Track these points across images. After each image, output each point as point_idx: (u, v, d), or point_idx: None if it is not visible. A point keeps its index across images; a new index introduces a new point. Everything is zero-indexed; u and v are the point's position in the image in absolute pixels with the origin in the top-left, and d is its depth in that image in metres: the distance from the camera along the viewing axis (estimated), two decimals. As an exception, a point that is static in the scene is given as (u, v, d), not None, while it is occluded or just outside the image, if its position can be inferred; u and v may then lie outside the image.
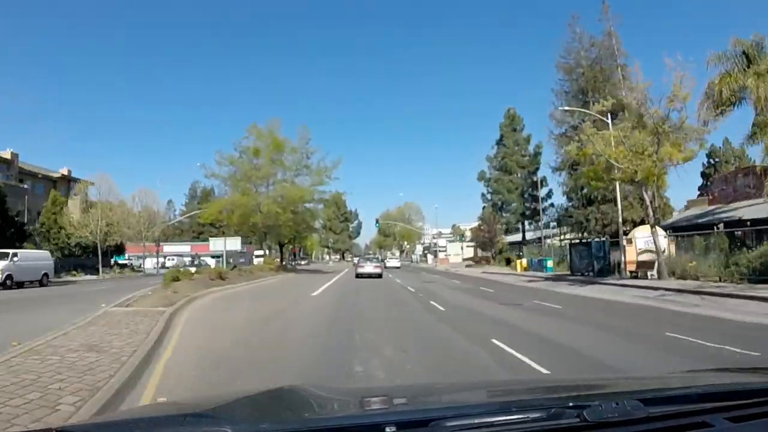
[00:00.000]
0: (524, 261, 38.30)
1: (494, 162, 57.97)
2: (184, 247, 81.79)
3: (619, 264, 25.75)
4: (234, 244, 33.78)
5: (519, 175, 55.78)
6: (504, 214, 57.17)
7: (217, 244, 33.89)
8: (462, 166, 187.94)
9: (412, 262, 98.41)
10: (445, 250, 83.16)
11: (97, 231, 39.65)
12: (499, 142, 58.19)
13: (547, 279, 28.29)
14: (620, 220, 25.54)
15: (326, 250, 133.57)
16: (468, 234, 68.79)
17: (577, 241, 30.42)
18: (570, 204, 45.23)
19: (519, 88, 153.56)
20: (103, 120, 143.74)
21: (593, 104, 46.00)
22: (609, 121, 25.28)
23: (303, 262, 55.92)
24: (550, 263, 33.93)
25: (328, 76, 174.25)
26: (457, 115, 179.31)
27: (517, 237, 58.73)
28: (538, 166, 56.14)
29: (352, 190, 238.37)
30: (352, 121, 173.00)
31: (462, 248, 60.58)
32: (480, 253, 63.05)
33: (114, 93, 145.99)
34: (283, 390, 1.96)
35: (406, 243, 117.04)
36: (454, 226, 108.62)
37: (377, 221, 70.53)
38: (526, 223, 57.52)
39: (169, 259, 73.72)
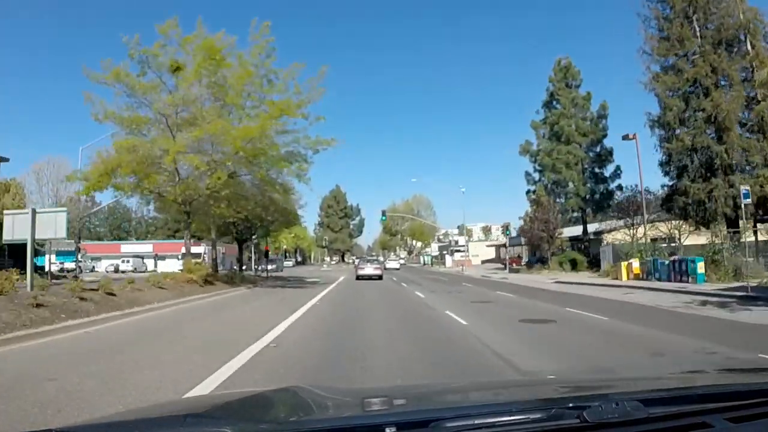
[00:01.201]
0: (635, 264, 23.38)
1: (543, 129, 42.94)
2: (146, 246, 67.17)
3: None
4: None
5: (582, 145, 40.60)
6: (557, 199, 42.08)
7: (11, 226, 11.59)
8: (463, 167, 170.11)
9: (424, 264, 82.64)
10: (466, 250, 69.15)
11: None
12: (548, 103, 43.02)
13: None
14: None
15: (326, 251, 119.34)
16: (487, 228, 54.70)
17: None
18: (674, 180, 30.32)
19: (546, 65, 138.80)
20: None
21: (700, 30, 32.09)
22: None
23: (271, 267, 39.87)
24: (701, 267, 19.01)
25: (323, 60, 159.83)
26: (458, 110, 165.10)
27: (576, 230, 43.74)
28: (606, 134, 41.20)
29: (353, 186, 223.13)
30: (351, 113, 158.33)
31: (506, 246, 45.40)
32: (506, 253, 48.01)
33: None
34: (283, 390, 1.96)
35: (415, 242, 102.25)
36: (460, 226, 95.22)
37: (383, 213, 56.33)
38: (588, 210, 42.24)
39: (123, 261, 59.73)
